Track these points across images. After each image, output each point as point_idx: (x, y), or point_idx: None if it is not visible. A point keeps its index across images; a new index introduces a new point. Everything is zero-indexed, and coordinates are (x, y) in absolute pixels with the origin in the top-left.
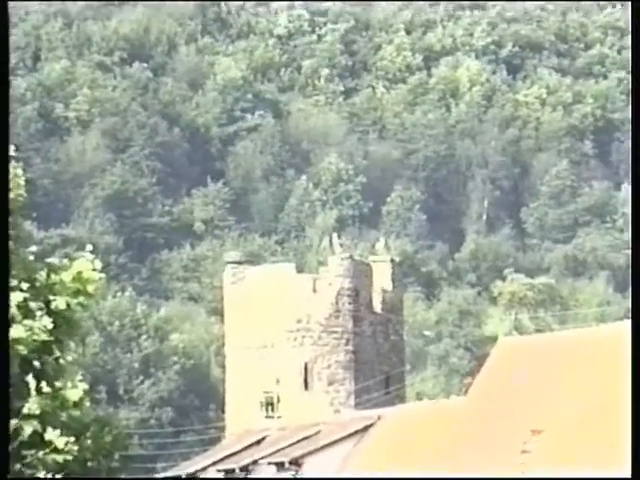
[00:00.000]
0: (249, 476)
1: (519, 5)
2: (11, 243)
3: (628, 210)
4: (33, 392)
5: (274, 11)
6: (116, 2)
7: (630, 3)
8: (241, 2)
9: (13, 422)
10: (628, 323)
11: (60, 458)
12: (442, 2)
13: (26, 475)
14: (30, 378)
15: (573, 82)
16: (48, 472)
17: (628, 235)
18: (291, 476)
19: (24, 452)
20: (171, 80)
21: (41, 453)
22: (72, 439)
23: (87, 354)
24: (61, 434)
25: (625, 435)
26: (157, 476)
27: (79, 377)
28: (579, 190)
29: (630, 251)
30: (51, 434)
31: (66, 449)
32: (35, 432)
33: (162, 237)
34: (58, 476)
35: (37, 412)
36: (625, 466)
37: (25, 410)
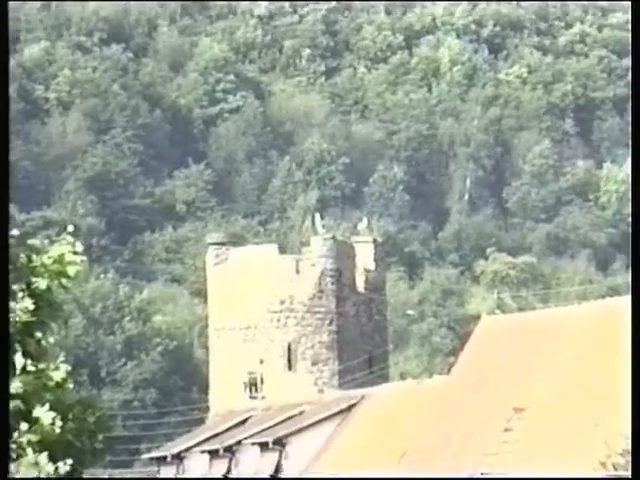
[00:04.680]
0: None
1: None
2: None
3: (610, 188)
4: (18, 372)
5: None
6: None
7: (630, 3)
8: None
9: None
10: (609, 301)
11: (45, 436)
12: None
13: (13, 453)
14: (18, 357)
15: (554, 61)
16: (34, 452)
17: (610, 213)
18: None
19: (10, 430)
20: (152, 61)
21: (26, 431)
22: (59, 416)
23: (70, 336)
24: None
25: (607, 414)
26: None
27: (61, 358)
28: (561, 169)
29: (630, 243)
30: (39, 411)
31: (52, 425)
32: (19, 410)
33: (144, 219)
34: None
35: (20, 391)
36: (607, 445)
37: (10, 389)
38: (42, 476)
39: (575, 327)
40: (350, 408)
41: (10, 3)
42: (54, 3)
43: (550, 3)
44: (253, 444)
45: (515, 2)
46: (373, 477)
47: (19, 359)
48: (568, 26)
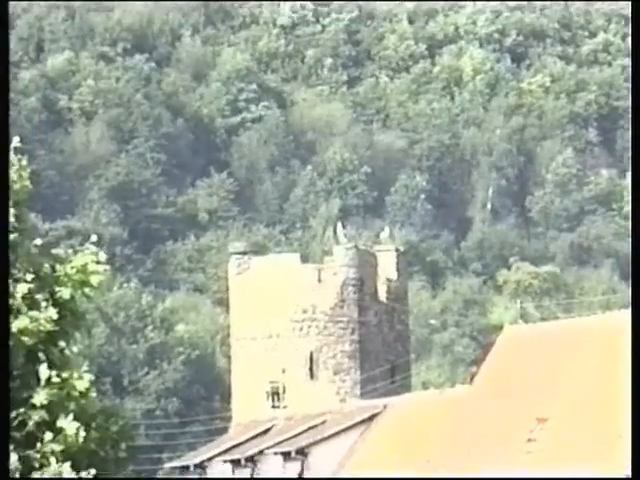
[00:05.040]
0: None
1: None
2: (16, 235)
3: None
4: (43, 382)
5: (277, 1)
6: None
7: (630, 3)
8: None
9: (20, 411)
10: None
11: (69, 446)
12: None
13: (36, 462)
14: (43, 368)
15: (577, 70)
16: (57, 461)
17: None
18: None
19: (34, 440)
20: (175, 71)
21: (50, 440)
22: (82, 426)
23: (93, 345)
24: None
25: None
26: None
27: (85, 368)
28: (584, 178)
29: (630, 251)
30: (63, 421)
31: (76, 435)
32: (43, 421)
33: (167, 228)
34: (60, 476)
35: (45, 402)
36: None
37: (35, 401)
38: None
39: (599, 337)
40: (372, 418)
41: (35, 13)
42: (78, 13)
43: (574, 12)
44: (275, 454)
45: (538, 11)
46: (376, 477)
47: (44, 370)
48: (592, 35)
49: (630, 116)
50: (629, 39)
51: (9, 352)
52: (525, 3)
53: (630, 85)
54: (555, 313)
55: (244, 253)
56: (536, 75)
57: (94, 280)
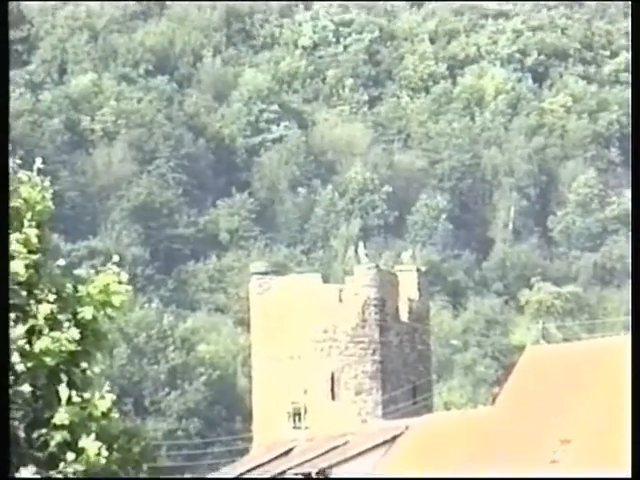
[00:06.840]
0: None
1: (544, 13)
2: (39, 255)
3: None
4: (64, 402)
5: (298, 22)
6: (141, 15)
7: (630, 3)
8: (266, 13)
9: (42, 431)
10: None
11: (90, 467)
12: (467, 8)
13: None
14: (62, 388)
15: (599, 90)
16: None
17: None
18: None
19: (56, 461)
20: (196, 92)
21: (72, 461)
22: (104, 446)
23: (114, 366)
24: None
25: None
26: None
27: (107, 388)
28: (607, 198)
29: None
30: (85, 441)
31: (98, 455)
32: (65, 441)
33: (188, 248)
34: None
35: (66, 422)
36: None
37: (56, 420)
38: None
39: (622, 357)
40: (394, 439)
41: (58, 35)
42: (101, 35)
43: (595, 31)
44: (297, 474)
45: (560, 31)
46: (379, 477)
47: (64, 389)
48: (613, 55)
49: (630, 119)
50: None
51: (9, 348)
52: (547, 23)
53: (631, 84)
54: (578, 334)
55: (265, 273)
56: (557, 95)
57: (116, 300)
